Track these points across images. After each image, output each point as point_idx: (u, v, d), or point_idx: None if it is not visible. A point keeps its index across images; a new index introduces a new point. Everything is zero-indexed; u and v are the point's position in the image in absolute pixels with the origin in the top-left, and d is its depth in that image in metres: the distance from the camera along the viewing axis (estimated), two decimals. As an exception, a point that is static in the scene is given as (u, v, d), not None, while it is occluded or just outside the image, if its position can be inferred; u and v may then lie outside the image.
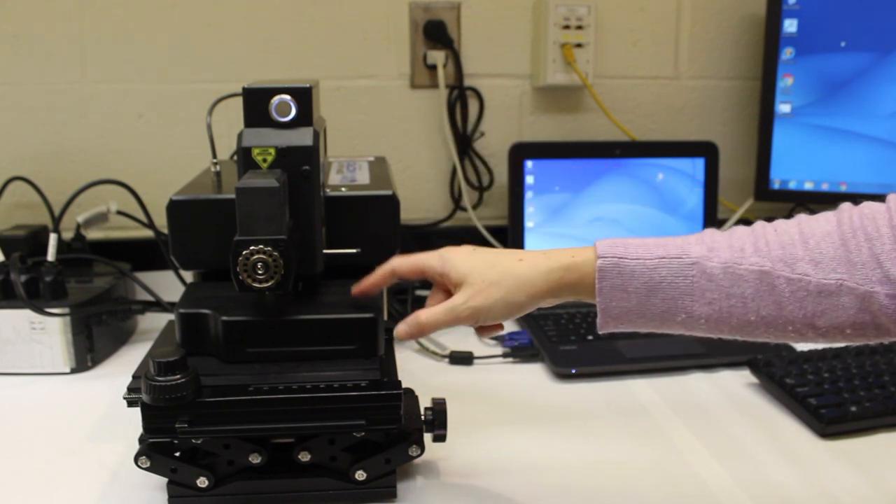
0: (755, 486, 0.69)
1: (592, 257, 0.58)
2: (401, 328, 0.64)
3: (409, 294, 1.07)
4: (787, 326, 0.54)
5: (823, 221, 0.55)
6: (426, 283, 1.16)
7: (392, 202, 0.75)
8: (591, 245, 0.59)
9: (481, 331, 0.66)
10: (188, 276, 0.82)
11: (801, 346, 0.95)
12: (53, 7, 1.14)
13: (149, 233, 1.09)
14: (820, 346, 0.90)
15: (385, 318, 0.75)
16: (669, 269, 0.56)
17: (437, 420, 0.69)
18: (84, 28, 1.15)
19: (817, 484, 0.69)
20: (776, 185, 1.22)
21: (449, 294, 0.64)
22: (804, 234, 0.55)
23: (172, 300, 0.98)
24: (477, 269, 0.61)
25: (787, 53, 1.17)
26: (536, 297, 0.60)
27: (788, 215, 1.43)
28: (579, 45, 1.21)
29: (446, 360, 0.98)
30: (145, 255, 1.14)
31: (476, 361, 0.97)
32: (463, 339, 1.05)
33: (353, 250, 0.72)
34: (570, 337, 1.00)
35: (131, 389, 0.63)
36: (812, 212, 1.33)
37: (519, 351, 0.98)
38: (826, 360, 0.89)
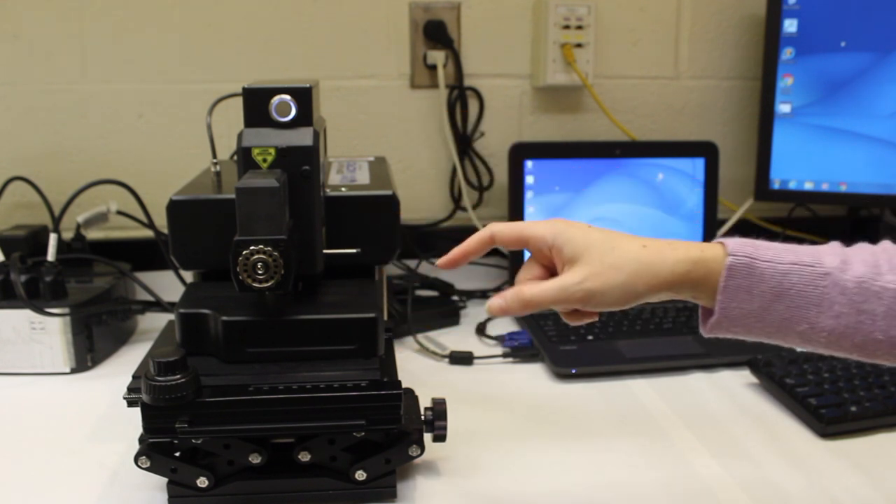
0: (755, 486, 0.69)
1: (722, 254, 0.55)
2: (495, 302, 0.57)
3: (408, 294, 1.07)
4: None
5: None
6: (427, 284, 1.17)
7: (392, 202, 0.75)
8: (719, 241, 0.56)
9: (574, 316, 0.60)
10: (188, 276, 0.82)
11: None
12: (53, 7, 1.14)
13: (149, 233, 1.09)
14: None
15: (385, 318, 0.75)
16: (801, 277, 0.53)
17: (437, 420, 0.69)
18: (84, 28, 1.15)
19: (817, 484, 0.69)
20: (776, 185, 1.22)
21: (546, 269, 0.59)
22: None
23: (172, 300, 0.98)
24: (596, 247, 0.56)
25: (787, 53, 1.17)
26: (657, 288, 0.55)
27: (789, 215, 1.43)
28: (579, 45, 1.21)
29: (446, 360, 0.98)
30: (145, 255, 1.14)
31: (476, 361, 0.97)
32: (463, 339, 1.05)
33: (353, 250, 0.72)
34: (570, 337, 1.00)
35: (131, 389, 0.63)
36: (813, 212, 1.33)
37: (519, 351, 0.98)
38: (826, 360, 0.89)
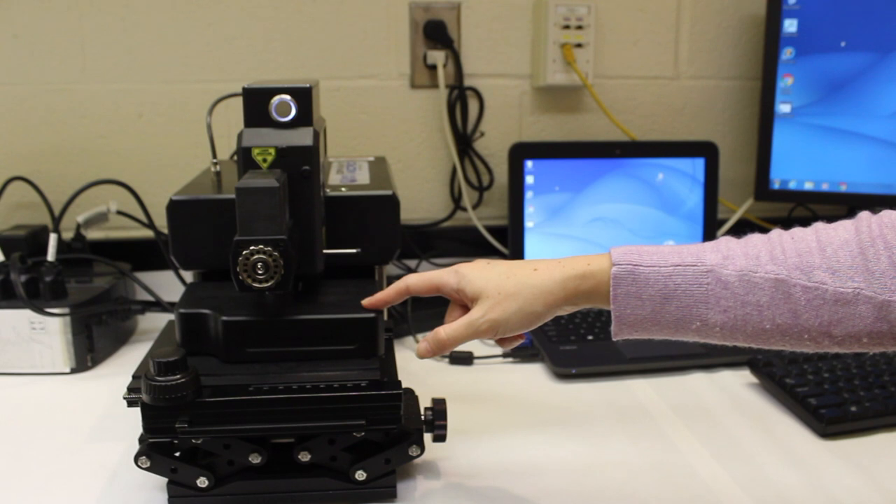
0: (755, 486, 0.69)
1: (607, 265, 0.58)
2: (421, 346, 0.63)
3: (409, 294, 1.07)
4: (803, 335, 0.54)
5: (841, 230, 0.55)
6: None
7: (392, 202, 0.75)
8: (606, 252, 0.59)
9: (502, 342, 0.66)
10: (188, 276, 0.82)
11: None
12: (53, 7, 1.14)
13: (149, 233, 1.09)
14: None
15: (385, 318, 0.75)
16: (684, 277, 0.56)
17: (437, 420, 0.69)
18: (84, 28, 1.15)
19: (817, 484, 0.69)
20: (776, 185, 1.22)
21: (466, 309, 0.64)
22: (821, 243, 0.55)
23: (172, 300, 0.98)
24: (492, 281, 0.61)
25: (787, 53, 1.17)
26: (553, 305, 0.60)
27: (789, 215, 1.43)
28: (579, 45, 1.21)
29: (446, 360, 0.98)
30: (145, 255, 1.14)
31: (476, 361, 0.97)
32: (463, 339, 1.05)
33: (353, 250, 0.72)
34: (570, 337, 1.00)
35: (131, 389, 0.63)
36: (812, 212, 1.33)
37: (519, 351, 0.98)
38: (826, 360, 0.89)
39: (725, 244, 0.58)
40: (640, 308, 0.57)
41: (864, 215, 0.55)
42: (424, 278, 0.65)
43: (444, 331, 0.62)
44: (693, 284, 0.56)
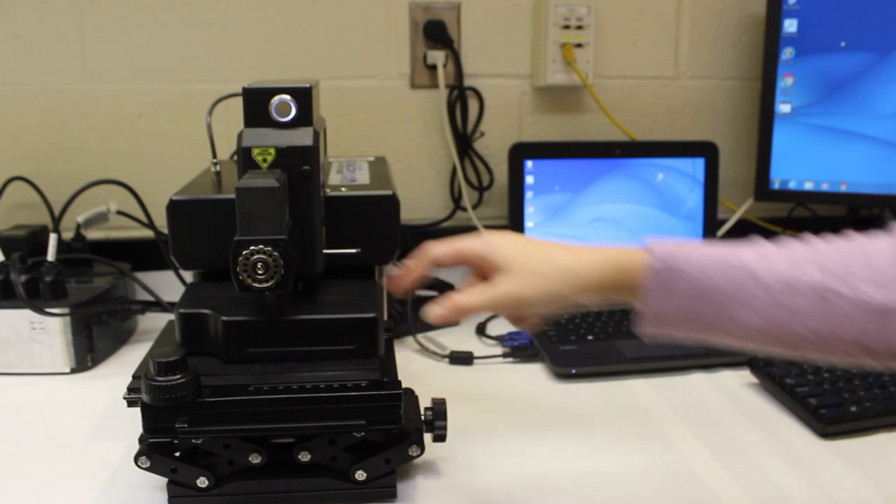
0: (755, 485, 0.69)
1: (644, 257, 0.56)
2: (435, 310, 0.59)
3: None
4: (841, 346, 0.52)
5: (883, 242, 0.54)
6: (427, 284, 1.16)
7: (392, 202, 0.75)
8: (641, 245, 0.57)
9: (517, 321, 0.62)
10: (188, 276, 0.82)
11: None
12: (53, 7, 1.14)
13: (149, 233, 1.09)
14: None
15: (385, 318, 0.75)
16: (722, 274, 0.54)
17: (437, 420, 0.69)
18: (84, 28, 1.15)
19: (817, 484, 0.69)
20: (776, 185, 1.22)
21: (486, 280, 0.60)
22: (864, 253, 0.53)
23: (172, 300, 0.98)
24: (522, 255, 0.58)
25: (787, 53, 1.17)
26: (582, 291, 0.57)
27: (789, 215, 1.43)
28: (579, 45, 1.21)
29: (446, 360, 0.98)
30: (145, 255, 1.14)
31: (476, 361, 0.97)
32: (463, 339, 1.05)
33: (353, 250, 0.72)
34: (570, 337, 1.00)
35: (131, 389, 0.63)
36: (812, 212, 1.33)
37: (519, 351, 0.98)
38: (826, 360, 0.89)
39: (762, 244, 0.56)
40: (674, 302, 0.55)
41: None
42: (449, 247, 0.61)
43: (462, 297, 0.58)
44: (731, 282, 0.54)
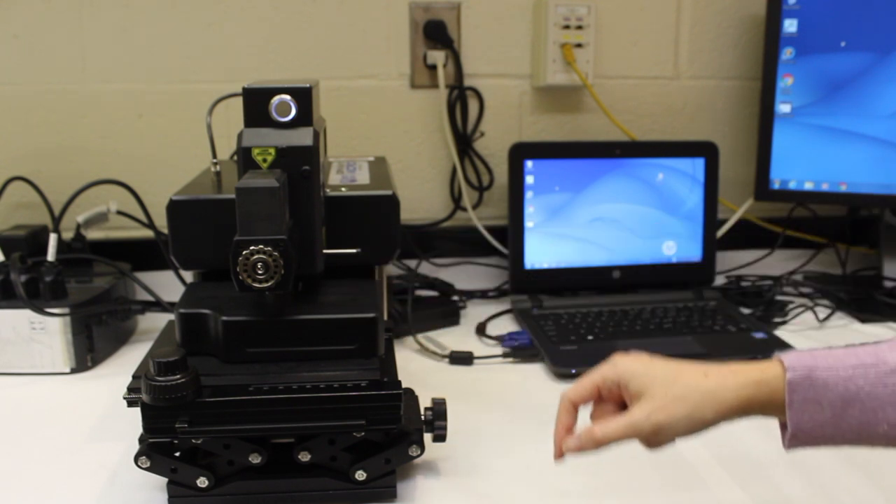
0: (755, 485, 0.69)
1: (781, 371, 0.55)
2: (571, 442, 0.59)
3: (408, 294, 1.07)
4: None
5: None
6: (427, 284, 1.17)
7: (392, 202, 0.75)
8: (776, 358, 0.56)
9: (653, 446, 0.60)
10: (188, 276, 0.82)
11: (802, 346, 0.95)
12: (53, 7, 1.14)
13: (149, 233, 1.09)
14: None
15: (385, 318, 0.75)
16: (867, 379, 0.53)
17: (437, 420, 0.69)
18: (84, 28, 1.15)
19: (817, 484, 0.69)
20: (776, 185, 1.22)
21: (618, 405, 0.60)
22: None
23: (172, 300, 0.98)
24: (658, 380, 0.57)
25: (787, 53, 1.17)
26: (724, 414, 0.55)
27: (789, 215, 1.42)
28: (579, 45, 1.21)
29: (446, 360, 0.98)
30: (145, 255, 1.14)
31: (476, 361, 0.97)
32: (463, 339, 1.05)
33: (353, 250, 0.72)
34: (570, 337, 1.00)
35: (131, 389, 0.63)
36: (812, 212, 1.33)
37: (519, 351, 0.98)
38: (826, 360, 0.89)
39: (878, 346, 0.55)
40: (820, 414, 0.53)
41: None
42: (584, 385, 0.61)
43: (600, 430, 0.57)
44: (878, 385, 0.53)
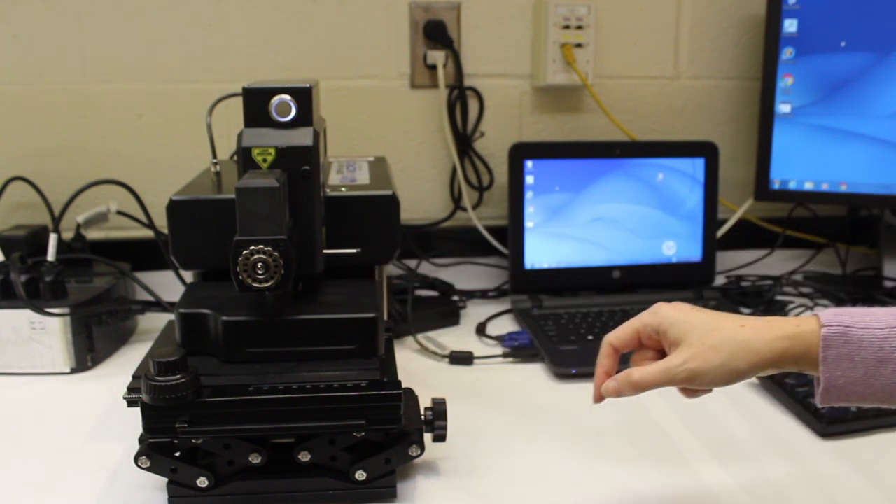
0: (755, 485, 0.69)
1: (817, 326, 0.55)
2: (610, 385, 0.61)
3: (408, 294, 1.07)
4: None
5: None
6: (427, 284, 1.17)
7: (392, 202, 0.75)
8: (813, 314, 0.57)
9: (688, 392, 0.62)
10: (188, 276, 0.82)
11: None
12: (53, 7, 1.14)
13: (149, 233, 1.09)
14: None
15: (385, 318, 0.75)
16: None
17: (437, 420, 0.69)
18: (84, 28, 1.15)
19: (817, 484, 0.69)
20: (776, 185, 1.22)
21: (658, 353, 0.61)
22: None
23: (172, 300, 0.98)
24: (697, 329, 0.58)
25: (787, 53, 1.17)
26: (758, 366, 0.57)
27: (789, 215, 1.42)
28: (579, 45, 1.21)
29: (446, 360, 0.98)
30: (145, 255, 1.14)
31: (476, 361, 0.97)
32: (463, 339, 1.05)
33: (353, 250, 0.72)
34: (570, 337, 1.00)
35: (131, 389, 0.63)
36: (812, 212, 1.33)
37: (519, 351, 0.98)
38: (826, 360, 0.89)
39: None
40: (852, 371, 0.54)
41: None
42: (624, 329, 0.62)
43: (637, 373, 0.59)
44: None
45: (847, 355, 0.54)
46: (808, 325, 0.56)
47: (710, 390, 0.61)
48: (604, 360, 0.63)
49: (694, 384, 0.58)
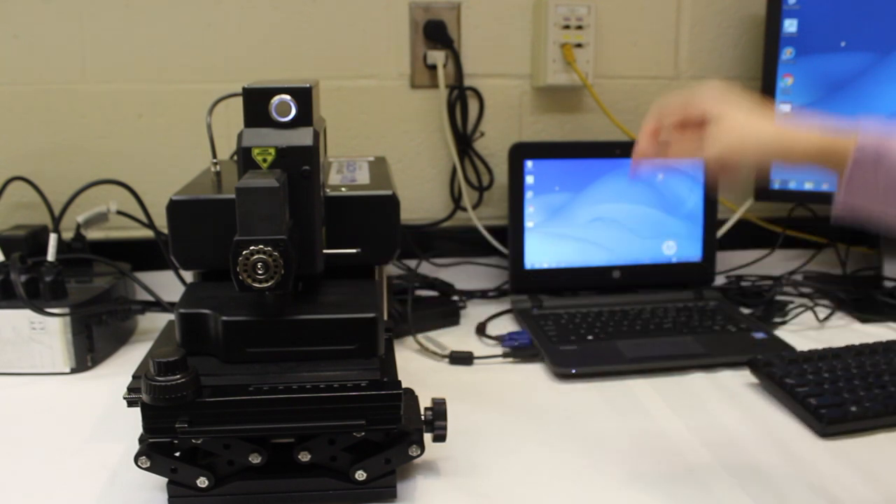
0: (755, 486, 0.69)
1: (852, 144, 0.57)
2: (650, 148, 0.65)
3: (408, 294, 1.07)
4: None
5: None
6: (427, 284, 1.17)
7: (392, 202, 0.75)
8: (852, 127, 0.59)
9: (721, 174, 0.65)
10: (188, 276, 0.82)
11: (802, 346, 0.95)
12: (53, 7, 1.14)
13: (149, 233, 1.09)
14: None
15: (385, 318, 0.75)
16: None
17: (437, 420, 0.69)
18: (84, 28, 1.15)
19: (817, 484, 0.69)
20: (776, 185, 1.22)
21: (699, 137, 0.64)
22: None
23: (172, 300, 0.98)
24: (740, 110, 0.61)
25: (787, 53, 1.17)
26: (790, 153, 0.60)
27: (789, 215, 1.42)
28: (579, 45, 1.21)
29: (446, 360, 0.98)
30: (145, 255, 1.14)
31: (476, 361, 0.97)
32: (463, 339, 1.05)
33: (353, 250, 0.72)
34: (570, 337, 1.00)
35: (131, 389, 0.63)
36: (812, 212, 1.33)
37: (519, 351, 0.98)
38: (826, 360, 0.89)
39: None
40: (871, 192, 0.56)
41: None
42: (673, 98, 0.65)
43: (676, 142, 0.63)
44: None
45: (873, 182, 0.56)
46: (844, 140, 0.58)
47: (742, 174, 0.63)
48: (649, 120, 0.66)
49: (727, 162, 0.61)
